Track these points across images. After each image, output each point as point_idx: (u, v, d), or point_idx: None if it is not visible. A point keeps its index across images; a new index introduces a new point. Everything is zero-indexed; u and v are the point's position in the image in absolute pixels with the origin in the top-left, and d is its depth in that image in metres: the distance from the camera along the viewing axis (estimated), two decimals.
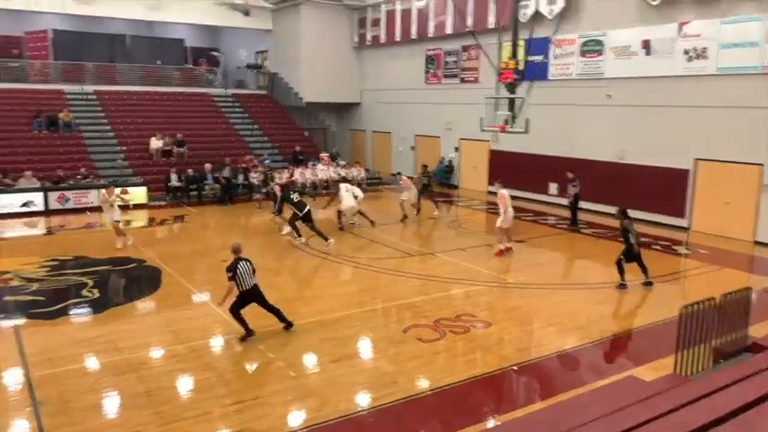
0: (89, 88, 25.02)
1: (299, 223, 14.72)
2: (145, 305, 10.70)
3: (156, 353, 8.51)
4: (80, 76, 25.75)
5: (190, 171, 20.78)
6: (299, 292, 11.57)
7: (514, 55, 15.86)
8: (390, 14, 26.31)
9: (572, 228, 16.83)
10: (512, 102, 15.79)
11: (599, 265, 12.33)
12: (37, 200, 18.19)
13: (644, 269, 11.50)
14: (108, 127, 23.41)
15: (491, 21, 21.43)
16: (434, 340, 8.97)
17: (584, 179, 17.20)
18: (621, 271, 11.35)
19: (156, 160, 22.36)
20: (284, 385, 7.55)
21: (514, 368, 8.10)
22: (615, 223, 12.35)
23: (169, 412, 6.88)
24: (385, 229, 16.46)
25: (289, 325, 9.18)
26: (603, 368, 8.40)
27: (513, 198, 20.68)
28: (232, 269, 8.71)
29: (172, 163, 21.98)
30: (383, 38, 26.81)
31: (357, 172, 22.77)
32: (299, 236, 14.81)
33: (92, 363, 8.21)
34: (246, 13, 24.50)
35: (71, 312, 10.10)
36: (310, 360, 8.37)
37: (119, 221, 14.27)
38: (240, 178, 21.48)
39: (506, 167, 21.31)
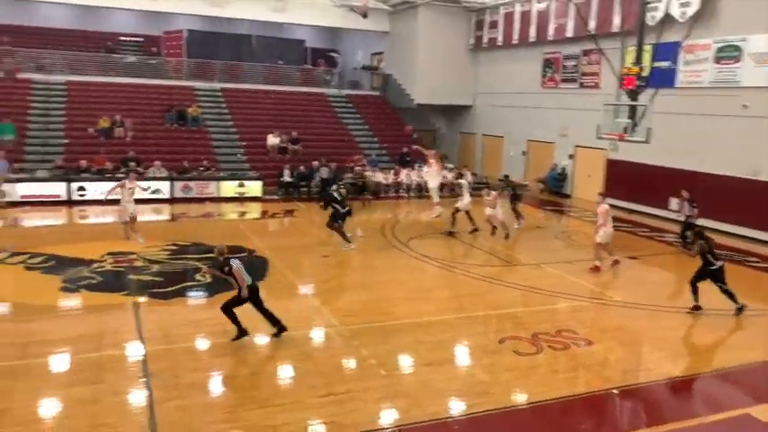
0: (217, 85, 26.70)
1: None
2: None
3: (258, 339, 8.87)
4: (209, 73, 27.52)
5: (301, 167, 21.57)
6: (397, 292, 11.62)
7: (639, 60, 15.00)
8: (509, 16, 25.79)
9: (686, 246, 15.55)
10: (633, 109, 14.95)
11: (715, 289, 11.37)
12: (164, 188, 19.67)
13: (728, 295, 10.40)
14: (231, 123, 24.84)
15: (615, 24, 20.38)
16: (532, 354, 8.65)
17: (710, 196, 15.90)
18: (695, 291, 10.44)
19: (272, 156, 23.40)
20: (375, 383, 7.60)
21: (617, 391, 7.63)
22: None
23: (261, 396, 7.17)
24: (488, 236, 16.12)
25: (280, 330, 8.80)
26: (717, 402, 7.70)
27: (631, 211, 19.61)
28: (228, 265, 8.50)
29: (286, 159, 22.91)
30: (500, 40, 26.33)
31: (463, 175, 22.45)
32: (348, 241, 14.28)
33: (200, 343, 8.74)
34: (365, 16, 25.01)
35: (185, 294, 10.81)
36: (404, 361, 8.37)
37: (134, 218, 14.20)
38: (349, 177, 21.98)
39: (624, 178, 20.19)
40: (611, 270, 13.26)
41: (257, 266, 12.58)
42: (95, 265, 12.05)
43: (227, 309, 8.62)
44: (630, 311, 10.71)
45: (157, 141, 22.58)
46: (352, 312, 9.59)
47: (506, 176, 18.89)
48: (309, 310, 10.26)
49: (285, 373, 7.91)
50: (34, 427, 6.43)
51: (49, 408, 6.81)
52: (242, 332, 8.60)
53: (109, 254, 12.75)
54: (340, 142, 25.30)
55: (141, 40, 31.19)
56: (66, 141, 21.45)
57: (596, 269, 13.06)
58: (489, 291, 11.68)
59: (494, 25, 26.68)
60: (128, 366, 7.92)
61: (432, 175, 17.61)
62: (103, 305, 10.11)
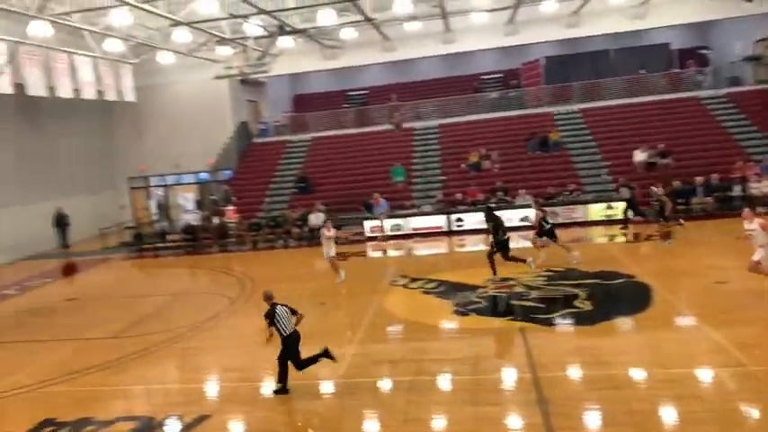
0: (574, 107, 26.58)
1: None
2: (633, 322, 10.57)
3: (639, 373, 8.29)
4: (566, 96, 27.59)
5: (676, 183, 19.63)
6: None
7: None
8: None
9: None
10: None
11: None
12: (531, 215, 20.23)
13: None
14: (593, 143, 24.32)
15: None
16: None
17: None
18: None
19: (640, 173, 21.96)
20: None
21: None
22: None
23: None
24: None
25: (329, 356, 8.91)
26: None
27: None
28: (270, 315, 8.63)
29: (655, 176, 21.19)
30: None
31: None
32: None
33: (590, 372, 8.59)
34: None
35: (565, 321, 10.82)
36: None
37: (333, 257, 15.03)
38: (737, 189, 19.10)
39: None
40: None
41: (637, 294, 11.84)
42: (480, 290, 13.07)
43: (282, 359, 8.73)
44: None
45: (522, 169, 23.53)
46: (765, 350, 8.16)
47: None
48: (698, 344, 9.13)
49: (673, 414, 7.20)
50: None
51: (458, 424, 7.51)
52: (284, 389, 8.70)
53: (489, 280, 13.68)
54: (719, 150, 22.25)
55: (501, 75, 33.28)
56: (443, 178, 24.13)
57: None
58: None
59: None
60: (522, 391, 8.23)
61: None
62: (492, 328, 10.85)
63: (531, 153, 24.46)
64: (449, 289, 13.49)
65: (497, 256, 13.75)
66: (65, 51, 21.05)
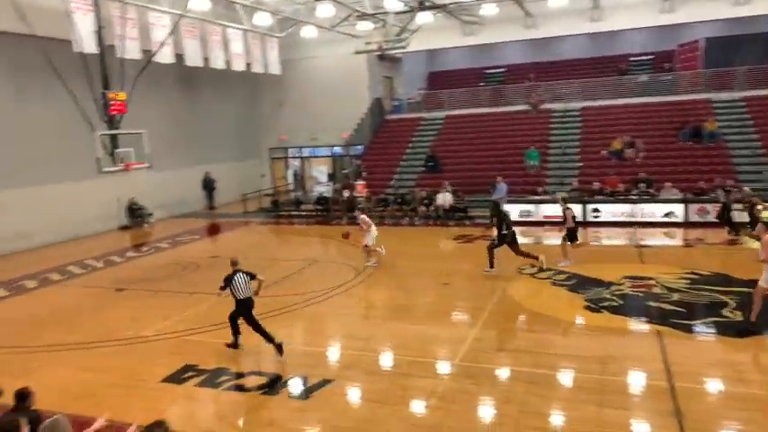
0: (737, 95, 24.00)
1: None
2: None
3: None
4: (728, 82, 24.98)
5: None
6: None
7: None
8: None
9: None
10: None
11: None
12: (677, 211, 18.72)
13: None
14: (755, 136, 21.88)
15: None
16: None
17: None
18: None
19: None
20: None
21: None
22: None
23: None
24: None
25: (279, 348, 9.38)
26: None
27: None
28: (227, 279, 9.44)
29: None
30: None
31: None
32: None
33: (733, 390, 7.82)
34: None
35: (710, 330, 9.89)
36: None
37: (367, 246, 15.29)
38: None
39: None
40: None
41: None
42: (614, 287, 12.30)
43: (232, 318, 9.65)
44: None
45: (670, 161, 21.73)
46: None
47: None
48: None
49: None
50: None
51: (580, 423, 7.15)
52: (235, 344, 9.74)
53: (626, 277, 12.85)
54: None
55: (652, 57, 30.86)
56: (580, 164, 22.93)
57: None
58: None
59: None
60: (655, 398, 7.67)
61: None
62: (625, 329, 10.19)
63: (682, 143, 22.51)
64: (580, 282, 12.85)
65: (509, 252, 13.79)
66: (219, 24, 22.46)
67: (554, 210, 19.84)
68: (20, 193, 19.17)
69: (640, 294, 11.83)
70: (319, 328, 11.15)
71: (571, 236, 14.74)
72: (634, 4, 23.87)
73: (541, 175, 22.90)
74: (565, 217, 14.85)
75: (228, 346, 9.77)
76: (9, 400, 5.93)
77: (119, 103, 15.58)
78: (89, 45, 15.97)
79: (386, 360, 9.48)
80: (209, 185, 27.34)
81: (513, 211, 20.16)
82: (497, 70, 34.21)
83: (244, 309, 9.45)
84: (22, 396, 5.93)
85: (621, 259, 14.84)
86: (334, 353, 10.08)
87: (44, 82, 17.56)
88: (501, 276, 13.57)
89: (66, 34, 15.95)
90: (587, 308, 11.24)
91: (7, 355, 10.16)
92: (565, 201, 15.86)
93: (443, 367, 8.99)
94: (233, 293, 9.42)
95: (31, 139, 19.41)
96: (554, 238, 18.06)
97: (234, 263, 9.68)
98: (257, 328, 9.46)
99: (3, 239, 18.61)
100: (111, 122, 15.67)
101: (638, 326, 10.29)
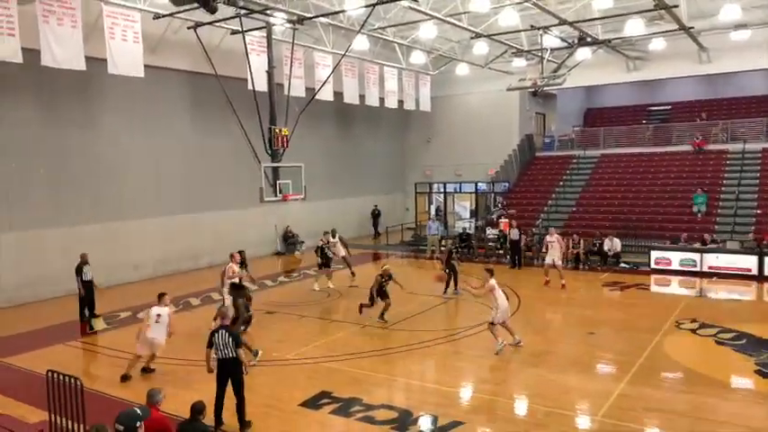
0: None
1: None
2: None
3: None
4: None
5: None
6: None
7: None
8: None
9: None
10: None
11: None
12: None
13: None
14: None
15: None
16: None
17: None
18: None
19: None
20: None
21: None
22: None
23: None
24: None
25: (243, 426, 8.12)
26: None
27: None
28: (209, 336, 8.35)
29: None
30: None
31: None
32: None
33: None
34: None
35: None
36: None
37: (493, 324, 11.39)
38: None
39: None
40: None
41: None
42: None
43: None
44: None
45: None
46: None
47: None
48: None
49: None
50: None
51: None
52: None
53: None
54: None
55: None
56: (758, 212, 20.49)
57: None
58: None
59: None
60: None
61: None
62: None
63: None
64: (752, 343, 11.32)
65: None
66: (377, 63, 23.51)
67: (724, 261, 17.92)
68: (193, 218, 21.12)
69: None
70: (453, 368, 10.90)
71: None
72: None
73: (710, 222, 20.79)
74: None
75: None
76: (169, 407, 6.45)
77: (283, 137, 16.77)
78: (260, 83, 17.49)
79: (519, 408, 8.99)
80: (375, 216, 29.35)
81: (674, 259, 18.53)
82: (662, 108, 31.95)
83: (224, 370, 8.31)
84: (198, 410, 6.45)
85: None
86: (465, 394, 9.78)
87: (219, 116, 19.46)
88: (657, 329, 12.37)
89: (241, 73, 17.64)
90: (759, 372, 9.85)
91: (171, 366, 11.05)
92: None
93: (582, 422, 8.32)
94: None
95: (206, 170, 21.47)
96: (724, 292, 16.25)
97: (220, 316, 8.85)
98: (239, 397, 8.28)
99: (176, 259, 20.61)
100: (275, 155, 16.88)
101: None
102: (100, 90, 17.88)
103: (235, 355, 8.17)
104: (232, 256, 13.89)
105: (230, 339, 8.18)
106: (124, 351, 11.38)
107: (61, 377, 7.68)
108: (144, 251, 19.54)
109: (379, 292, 13.63)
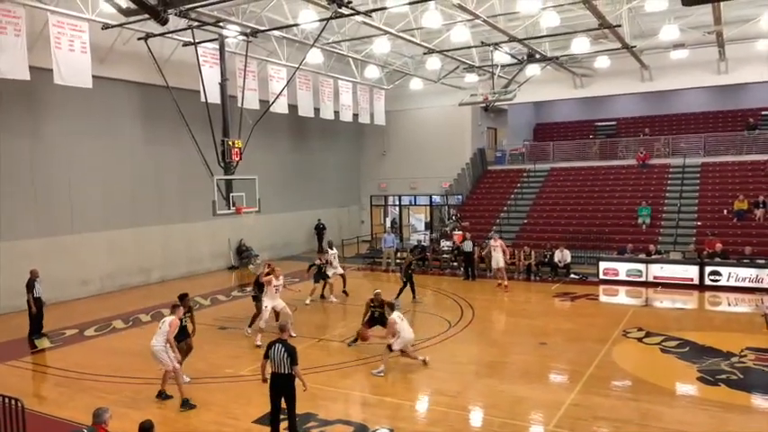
0: None
1: None
2: None
3: None
4: None
5: None
6: None
7: None
8: None
9: None
10: None
11: None
12: None
13: None
14: None
15: None
16: None
17: None
18: None
19: None
20: None
21: None
22: None
23: None
24: None
25: None
26: None
27: None
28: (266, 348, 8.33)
29: None
30: None
31: None
32: None
33: None
34: None
35: None
36: None
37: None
38: None
39: None
40: None
41: None
42: (734, 358, 11.16)
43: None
44: None
45: None
46: None
47: None
48: None
49: None
50: None
51: None
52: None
53: (749, 349, 11.62)
54: None
55: None
56: (698, 224, 21.40)
57: None
58: None
59: None
60: None
61: None
62: (747, 407, 9.15)
63: None
64: (694, 351, 11.78)
65: None
66: (331, 77, 23.58)
67: (667, 271, 18.61)
68: (143, 231, 20.62)
69: (766, 369, 10.62)
70: (407, 381, 10.92)
71: None
72: (766, 55, 22.34)
73: (654, 233, 21.59)
74: None
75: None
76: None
77: (236, 150, 16.59)
78: (213, 95, 17.29)
79: (474, 420, 9.09)
80: (319, 230, 28.45)
81: (621, 269, 19.16)
82: (608, 123, 33.12)
83: (277, 385, 8.32)
84: (146, 429, 6.24)
85: (744, 329, 13.49)
86: (421, 407, 9.81)
87: (171, 128, 19.10)
88: (605, 338, 12.73)
89: (194, 85, 17.40)
90: (701, 379, 10.25)
91: (119, 384, 10.74)
92: None
93: None
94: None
95: (157, 182, 21.02)
96: (668, 301, 16.85)
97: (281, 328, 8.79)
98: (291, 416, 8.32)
99: (125, 274, 20.03)
100: (228, 168, 16.68)
101: (764, 403, 9.19)
102: (47, 101, 17.34)
103: (289, 371, 8.05)
104: (271, 271, 13.57)
105: (285, 355, 8.03)
106: (70, 370, 10.96)
107: (1, 398, 7.36)
108: (92, 266, 18.95)
109: (372, 322, 12.36)
